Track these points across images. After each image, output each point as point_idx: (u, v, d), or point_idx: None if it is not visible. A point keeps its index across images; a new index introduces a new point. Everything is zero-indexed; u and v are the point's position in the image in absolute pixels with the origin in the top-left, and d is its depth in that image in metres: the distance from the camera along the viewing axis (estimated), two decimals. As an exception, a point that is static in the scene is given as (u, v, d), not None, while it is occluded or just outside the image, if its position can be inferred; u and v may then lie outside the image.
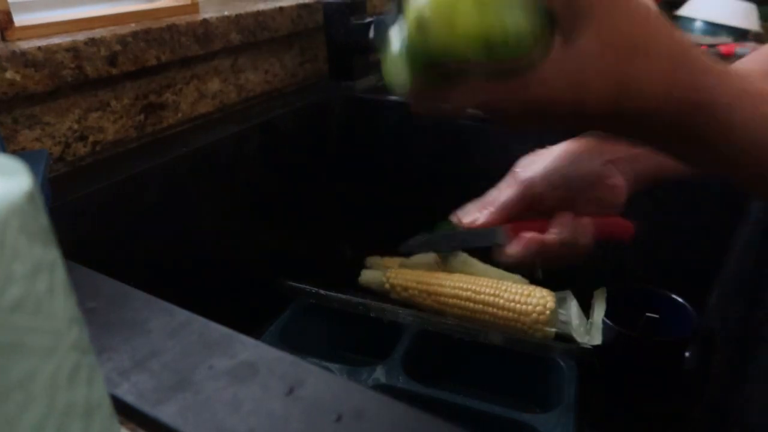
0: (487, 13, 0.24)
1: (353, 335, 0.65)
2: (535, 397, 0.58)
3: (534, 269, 0.43)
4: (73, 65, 0.50)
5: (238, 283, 0.66)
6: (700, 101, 0.25)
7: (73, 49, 0.50)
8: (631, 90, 0.25)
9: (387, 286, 0.71)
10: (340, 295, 0.63)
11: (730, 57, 0.95)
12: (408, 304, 0.69)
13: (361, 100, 0.76)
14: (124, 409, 0.26)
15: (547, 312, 0.61)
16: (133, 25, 0.57)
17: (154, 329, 0.30)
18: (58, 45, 0.48)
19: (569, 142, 0.43)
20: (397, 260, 0.76)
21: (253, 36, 0.68)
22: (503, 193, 0.44)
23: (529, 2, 0.24)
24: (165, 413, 0.25)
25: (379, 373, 0.54)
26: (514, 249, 0.41)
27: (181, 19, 0.60)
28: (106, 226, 0.50)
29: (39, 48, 0.47)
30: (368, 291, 0.74)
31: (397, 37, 0.27)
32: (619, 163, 0.42)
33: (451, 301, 0.66)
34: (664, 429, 0.56)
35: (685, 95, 0.25)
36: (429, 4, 0.25)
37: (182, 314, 0.31)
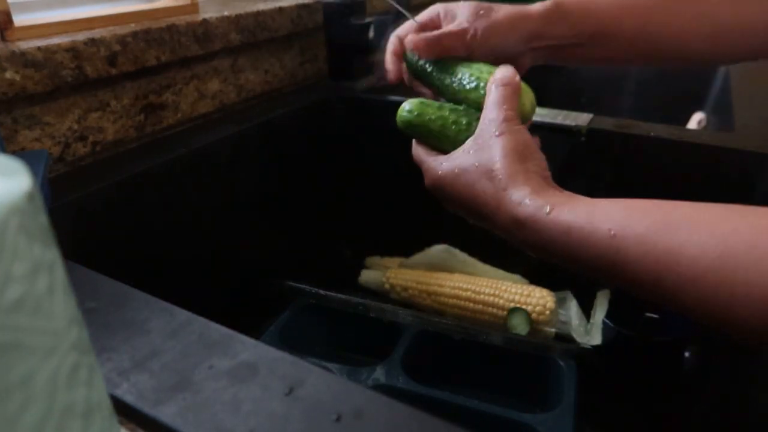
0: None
1: (353, 335, 0.65)
2: (535, 397, 0.58)
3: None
4: (72, 65, 0.50)
5: (238, 283, 0.66)
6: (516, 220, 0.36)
7: (72, 50, 0.50)
8: (475, 202, 0.39)
9: (387, 286, 0.71)
10: (339, 295, 0.63)
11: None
12: (408, 304, 0.69)
13: (361, 100, 0.76)
14: (123, 410, 0.26)
15: (547, 312, 0.61)
16: (132, 25, 0.57)
17: (154, 329, 0.30)
18: (58, 45, 0.48)
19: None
20: (396, 260, 0.76)
21: (252, 36, 0.68)
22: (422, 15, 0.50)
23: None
24: (165, 413, 0.25)
25: (379, 373, 0.54)
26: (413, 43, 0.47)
27: (181, 19, 0.60)
28: (106, 226, 0.50)
29: (39, 48, 0.47)
30: (368, 291, 0.74)
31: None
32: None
33: (450, 301, 0.66)
34: (664, 429, 0.56)
35: (505, 217, 0.37)
36: (410, 115, 0.45)
37: (182, 314, 0.31)
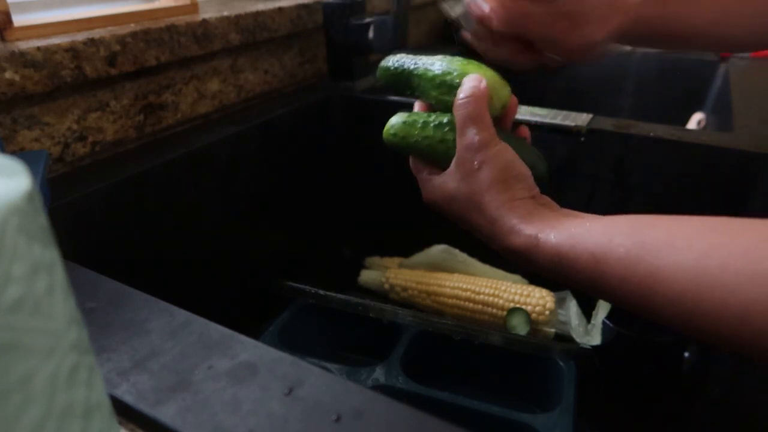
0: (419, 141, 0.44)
1: (352, 335, 0.65)
2: (534, 397, 0.58)
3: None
4: (72, 65, 0.50)
5: (238, 283, 0.66)
6: (509, 246, 0.38)
7: (72, 50, 0.50)
8: (470, 227, 0.41)
9: (386, 286, 0.71)
10: (339, 296, 0.63)
11: (728, 57, 0.95)
12: (407, 304, 0.69)
13: (360, 100, 0.76)
14: (123, 410, 0.26)
15: (547, 312, 0.61)
16: (132, 25, 0.57)
17: (154, 329, 0.30)
18: (58, 45, 0.48)
19: None
20: (396, 260, 0.76)
21: (252, 36, 0.68)
22: None
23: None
24: (164, 414, 0.25)
25: (379, 374, 0.54)
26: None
27: (181, 20, 0.60)
28: (106, 226, 0.50)
29: (38, 48, 0.47)
30: (367, 291, 0.74)
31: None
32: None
33: (450, 301, 0.66)
34: (663, 429, 0.56)
35: (500, 242, 0.38)
36: (395, 128, 0.45)
37: (182, 314, 0.31)
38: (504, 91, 0.42)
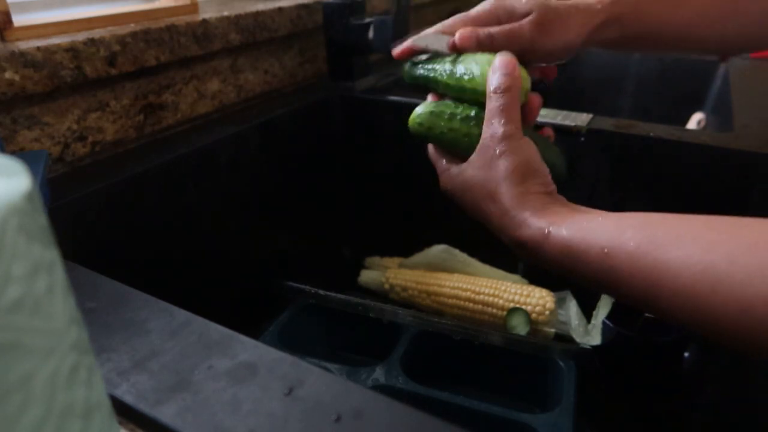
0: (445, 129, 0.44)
1: (352, 335, 0.65)
2: (534, 397, 0.58)
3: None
4: (72, 65, 0.50)
5: (238, 283, 0.66)
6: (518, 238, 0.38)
7: (72, 50, 0.50)
8: (482, 218, 0.41)
9: (386, 286, 0.71)
10: (339, 296, 0.63)
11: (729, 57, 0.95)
12: (407, 304, 0.69)
13: (360, 100, 0.76)
14: (123, 410, 0.26)
15: (547, 312, 0.61)
16: (132, 25, 0.57)
17: (154, 329, 0.30)
18: (57, 45, 0.48)
19: None
20: (396, 260, 0.76)
21: (252, 36, 0.68)
22: (477, 7, 0.47)
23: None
24: (164, 414, 0.25)
25: (379, 374, 0.54)
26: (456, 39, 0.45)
27: (181, 20, 0.60)
28: (106, 227, 0.50)
29: (38, 48, 0.47)
30: (368, 291, 0.74)
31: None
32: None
33: (450, 301, 0.66)
34: (663, 429, 0.56)
35: (509, 233, 0.39)
36: (422, 118, 0.45)
37: (182, 314, 0.31)
38: (526, 82, 0.42)
